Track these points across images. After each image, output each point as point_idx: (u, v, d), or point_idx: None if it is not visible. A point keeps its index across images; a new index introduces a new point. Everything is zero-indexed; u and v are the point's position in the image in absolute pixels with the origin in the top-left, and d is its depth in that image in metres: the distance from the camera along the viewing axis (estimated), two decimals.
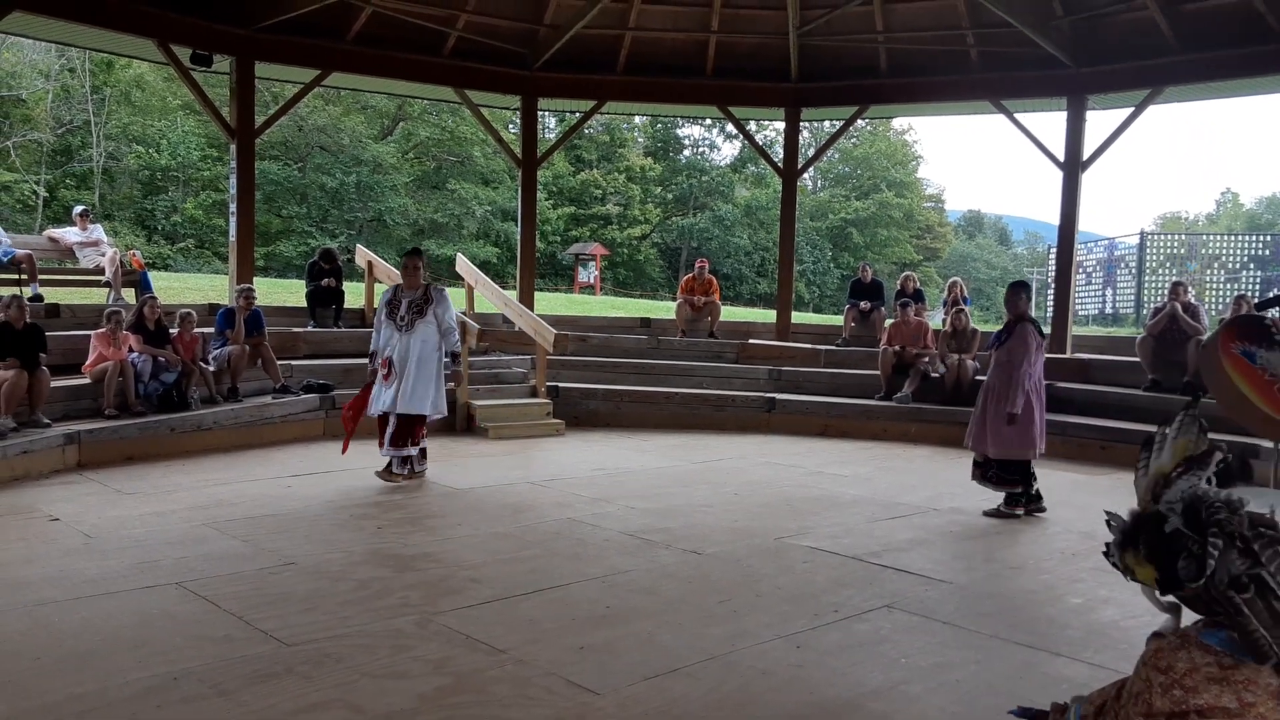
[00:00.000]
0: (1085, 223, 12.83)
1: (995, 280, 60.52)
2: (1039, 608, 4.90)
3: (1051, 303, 13.54)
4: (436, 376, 7.67)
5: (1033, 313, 7.42)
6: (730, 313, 17.66)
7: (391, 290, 7.84)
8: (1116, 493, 8.20)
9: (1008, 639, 4.41)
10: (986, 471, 7.22)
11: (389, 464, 7.59)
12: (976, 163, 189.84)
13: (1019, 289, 7.34)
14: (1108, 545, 2.12)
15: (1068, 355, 12.13)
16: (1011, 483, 7.10)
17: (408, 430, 7.55)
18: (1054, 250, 13.25)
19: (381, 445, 7.58)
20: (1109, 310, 23.22)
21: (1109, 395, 10.67)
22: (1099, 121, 12.88)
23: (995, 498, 7.22)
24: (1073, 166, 12.16)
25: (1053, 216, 12.74)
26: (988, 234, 70.99)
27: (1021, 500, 7.11)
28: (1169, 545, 1.99)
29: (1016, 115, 12.53)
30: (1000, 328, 7.40)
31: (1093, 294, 22.68)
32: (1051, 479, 8.74)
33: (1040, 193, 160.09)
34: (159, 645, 4.02)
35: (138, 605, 4.52)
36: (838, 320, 15.06)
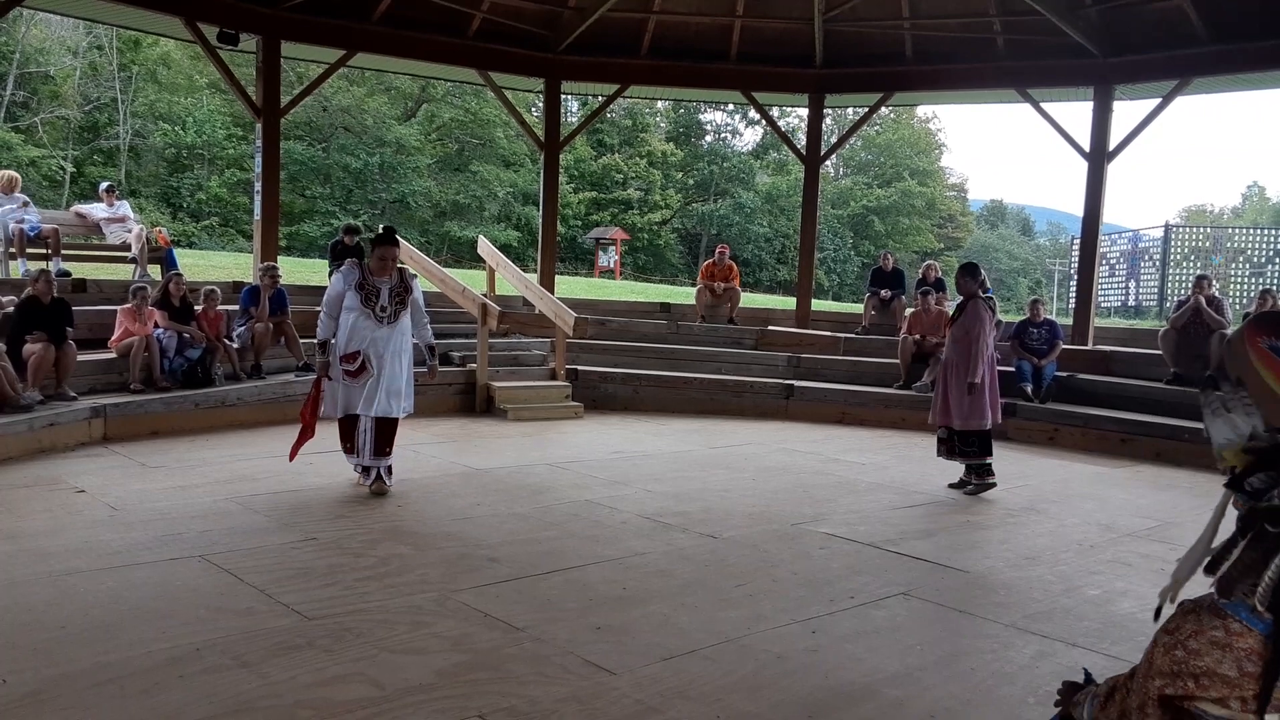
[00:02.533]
0: (1109, 214, 12.75)
1: (1017, 271, 60.22)
2: (1055, 599, 4.90)
3: (1074, 294, 13.46)
4: (412, 373, 6.83)
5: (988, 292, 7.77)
6: (750, 299, 17.64)
7: (357, 273, 6.59)
8: (1136, 485, 8.18)
9: (1024, 629, 4.41)
10: (953, 446, 7.49)
11: (377, 474, 6.60)
12: (1000, 152, 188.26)
13: (969, 271, 7.61)
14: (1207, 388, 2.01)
15: (1090, 347, 12.06)
16: (974, 454, 7.40)
17: (390, 434, 6.62)
18: (1077, 241, 13.17)
19: (354, 452, 6.60)
20: (1132, 302, 23.07)
21: (1130, 388, 10.62)
22: (1126, 112, 12.76)
23: (957, 471, 7.60)
24: (1098, 157, 12.06)
25: (1076, 207, 12.67)
26: (1010, 224, 70.54)
27: (990, 470, 7.41)
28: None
29: (1043, 104, 12.42)
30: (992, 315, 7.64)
31: (1116, 286, 22.53)
32: (1071, 471, 8.73)
33: (1064, 183, 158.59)
34: (183, 616, 4.08)
35: (162, 577, 4.59)
36: (858, 308, 15.00)
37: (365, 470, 6.62)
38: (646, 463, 8.17)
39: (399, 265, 6.84)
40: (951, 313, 7.78)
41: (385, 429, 6.57)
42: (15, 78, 30.96)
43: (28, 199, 10.73)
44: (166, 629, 3.93)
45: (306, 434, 6.63)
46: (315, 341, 6.72)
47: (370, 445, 6.53)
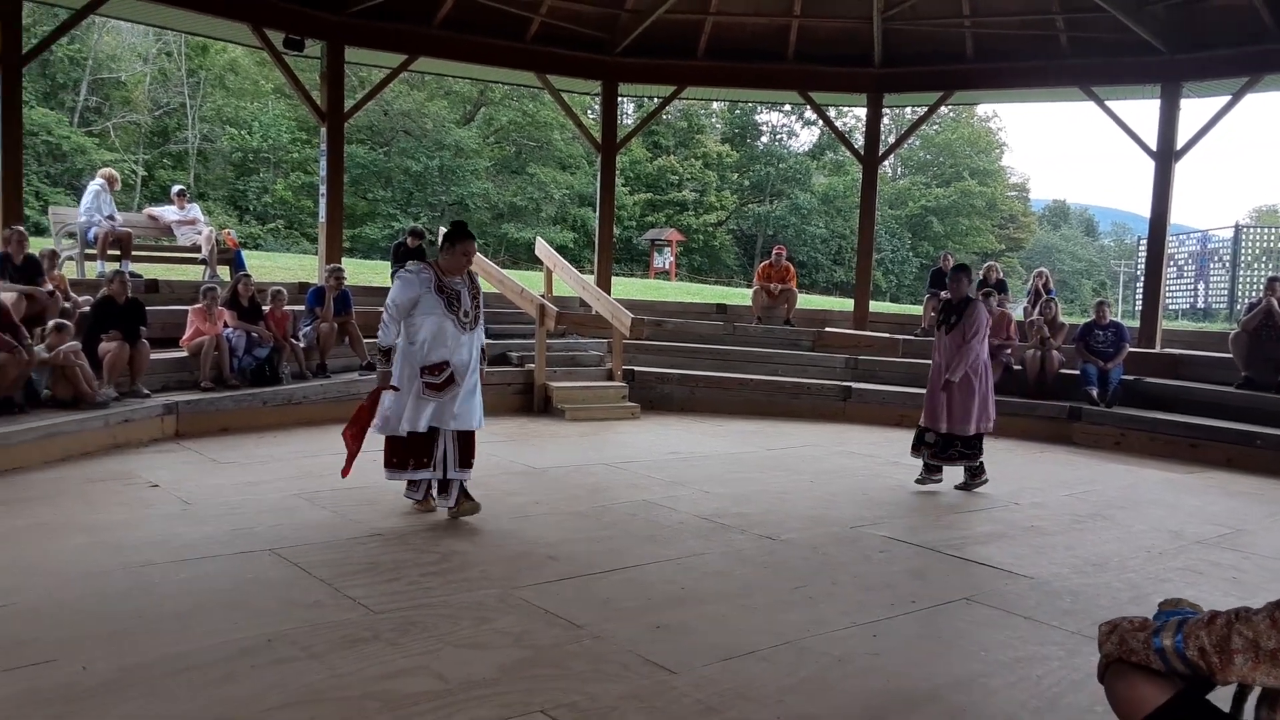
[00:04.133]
0: (1177, 214, 12.46)
1: (1080, 272, 59.00)
2: (1123, 606, 4.81)
3: (1140, 296, 13.17)
4: None
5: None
6: (806, 300, 17.54)
7: (430, 273, 5.91)
8: (1207, 491, 7.99)
9: (1091, 636, 4.31)
10: (948, 449, 7.48)
11: (460, 490, 5.99)
12: (1063, 151, 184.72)
13: (965, 272, 7.71)
14: None
15: (1157, 350, 11.80)
16: (973, 456, 7.50)
17: (472, 444, 6.08)
18: (1143, 242, 12.89)
19: (429, 467, 5.93)
20: (1201, 305, 22.48)
21: (1199, 392, 10.37)
22: (1194, 110, 12.52)
23: (950, 476, 7.64)
24: (1165, 156, 11.80)
25: (1142, 207, 12.48)
26: (1073, 224, 69.16)
27: (983, 468, 7.57)
28: None
29: (1108, 103, 12.19)
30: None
31: (1184, 288, 21.98)
32: (1138, 476, 8.56)
33: (1129, 183, 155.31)
34: (254, 608, 4.19)
35: (234, 570, 4.71)
36: (916, 310, 14.86)
37: (443, 487, 6.00)
38: (703, 464, 8.18)
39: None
40: (942, 314, 7.76)
41: (468, 440, 6.03)
42: (89, 84, 31.92)
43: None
44: (238, 620, 4.03)
45: (355, 453, 5.93)
46: (378, 348, 5.94)
47: (456, 457, 5.95)
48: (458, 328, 5.88)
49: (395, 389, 5.87)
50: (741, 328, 13.27)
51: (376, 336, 5.95)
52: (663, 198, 42.11)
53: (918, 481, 7.60)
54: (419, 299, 5.83)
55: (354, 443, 5.89)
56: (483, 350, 6.22)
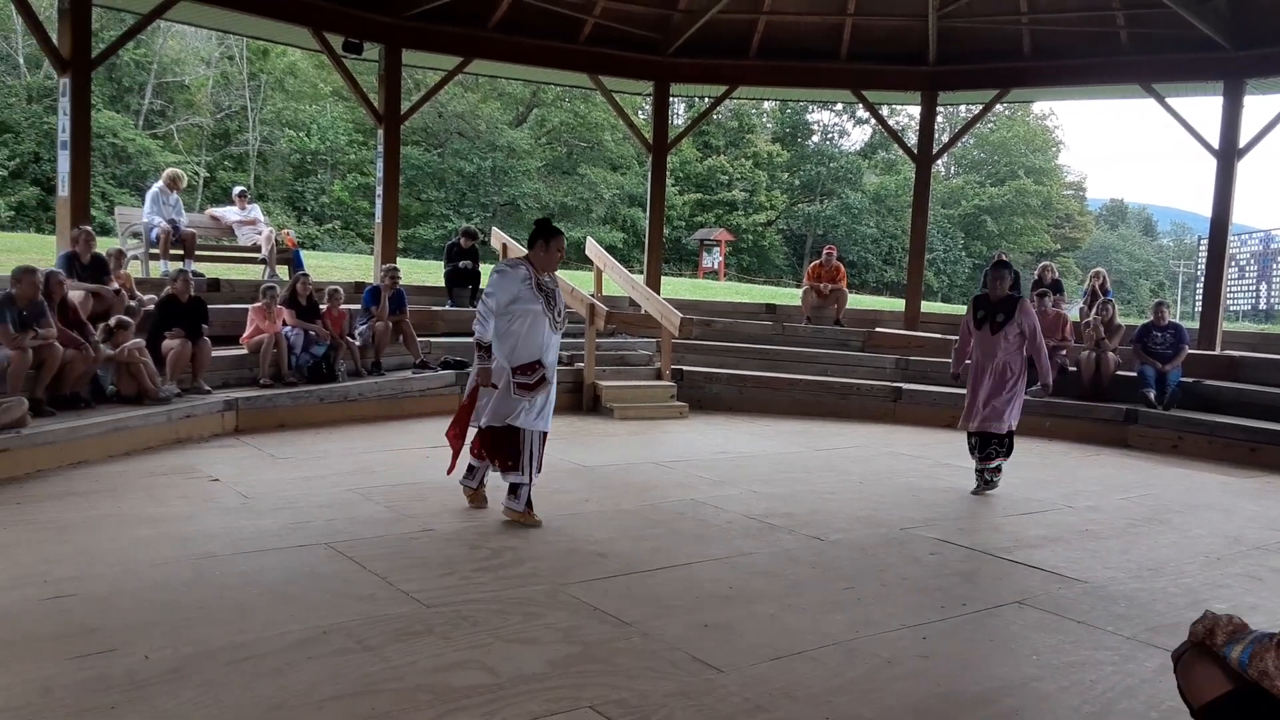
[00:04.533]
0: (1239, 214, 12.19)
1: (1138, 273, 57.87)
2: (1180, 612, 4.73)
3: (1200, 297, 12.89)
4: None
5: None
6: (856, 300, 17.43)
7: (527, 270, 5.74)
8: (1267, 496, 7.81)
9: (1146, 642, 4.28)
10: (986, 447, 7.37)
11: (528, 498, 5.84)
12: (1121, 149, 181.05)
13: (1005, 268, 7.48)
14: None
15: (1217, 352, 11.55)
16: (1007, 453, 7.43)
17: (542, 447, 5.98)
18: (1204, 242, 12.62)
19: (517, 470, 5.78)
20: (1262, 306, 21.94)
21: (1260, 395, 10.12)
22: (1257, 107, 12.21)
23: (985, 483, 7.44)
24: (1228, 154, 11.53)
25: (1202, 207, 12.17)
26: (1131, 224, 67.84)
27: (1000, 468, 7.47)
28: None
29: (1168, 100, 11.95)
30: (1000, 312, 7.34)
31: (1245, 288, 21.50)
32: (1196, 480, 8.39)
33: (1189, 182, 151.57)
34: (310, 601, 4.29)
35: (291, 563, 4.82)
36: None
37: (514, 489, 5.84)
38: (751, 463, 8.18)
39: None
40: (982, 311, 7.42)
41: (543, 443, 5.92)
42: (153, 87, 32.73)
43: (180, 200, 11.24)
44: (296, 612, 4.13)
45: (459, 450, 5.95)
46: (477, 343, 5.70)
47: (538, 461, 5.86)
48: (552, 327, 5.77)
49: (494, 387, 5.70)
50: (791, 328, 13.23)
51: (472, 331, 5.76)
52: (712, 197, 42.07)
53: (975, 493, 7.35)
54: (517, 295, 5.66)
55: (456, 442, 5.92)
56: None
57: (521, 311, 5.67)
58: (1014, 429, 7.42)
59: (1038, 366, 7.48)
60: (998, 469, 7.42)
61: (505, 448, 5.77)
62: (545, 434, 5.91)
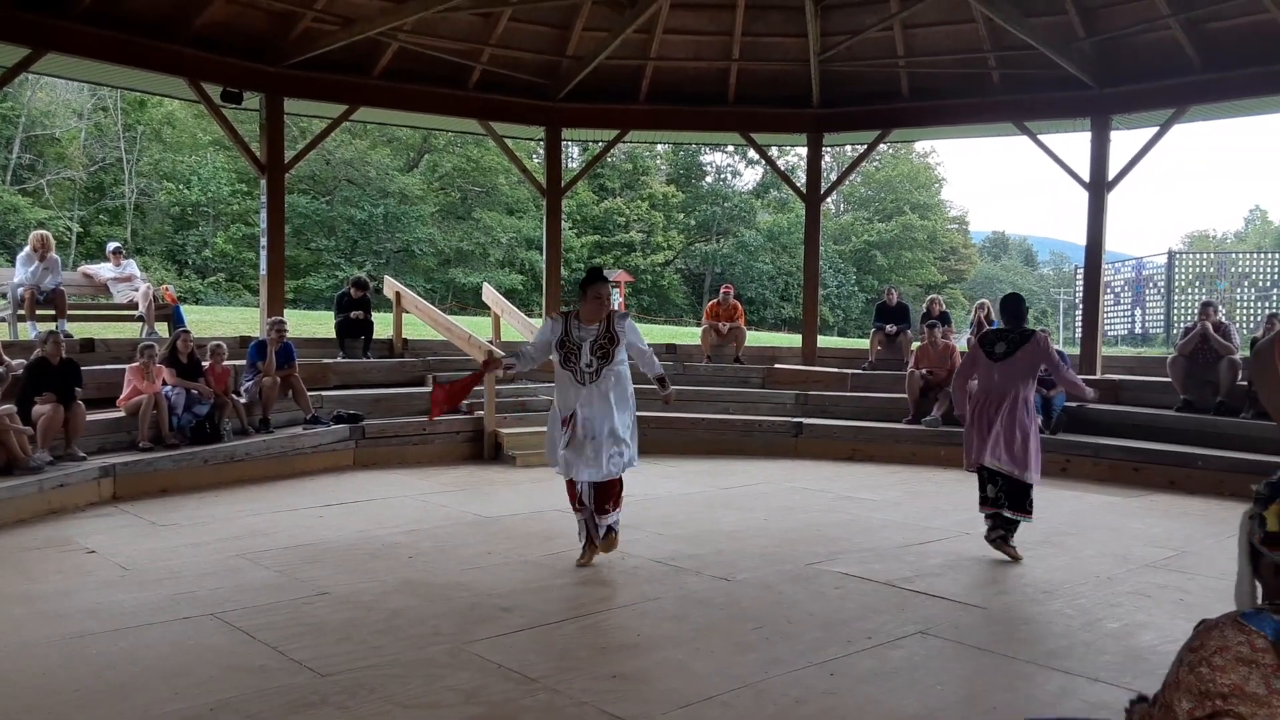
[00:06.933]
0: (1112, 242, 12.75)
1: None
2: (1075, 633, 4.84)
3: (1080, 323, 13.45)
4: (634, 423, 6.23)
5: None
6: (755, 337, 17.65)
7: (560, 323, 5.99)
8: (1151, 514, 8.11)
9: (1044, 665, 4.36)
10: (1013, 495, 6.38)
11: (608, 531, 6.09)
12: (1000, 184, 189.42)
13: (1023, 302, 6.94)
14: (1257, 492, 1.95)
15: (1098, 376, 12.01)
16: (1029, 508, 6.43)
17: (609, 492, 6.06)
18: (1081, 271, 13.17)
19: (580, 510, 6.13)
20: (1138, 330, 23.03)
21: (1140, 416, 10.57)
22: (1123, 141, 12.89)
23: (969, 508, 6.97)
24: (1098, 186, 12.11)
25: (1078, 237, 12.70)
26: (1013, 255, 70.69)
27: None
28: None
29: (1039, 136, 12.51)
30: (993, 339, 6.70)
31: (1121, 314, 22.52)
32: (1084, 501, 8.67)
33: (1065, 213, 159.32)
34: (196, 676, 4.06)
35: (175, 636, 4.56)
36: (864, 344, 15.00)
37: (588, 535, 6.09)
38: (656, 505, 8.13)
39: (610, 308, 6.06)
40: (988, 343, 6.68)
41: (603, 488, 6.00)
42: (21, 141, 31.39)
43: (58, 259, 10.72)
44: (180, 689, 3.90)
45: (439, 407, 6.52)
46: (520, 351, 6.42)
47: (592, 504, 6.01)
48: (574, 381, 5.91)
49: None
50: (692, 367, 13.30)
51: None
52: (610, 239, 42.29)
53: (994, 544, 6.41)
54: (549, 345, 6.03)
55: (442, 404, 6.40)
56: (661, 379, 6.39)
57: (557, 365, 5.99)
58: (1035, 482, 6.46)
59: (1070, 385, 6.96)
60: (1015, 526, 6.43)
61: (573, 494, 6.13)
62: (609, 481, 5.99)
